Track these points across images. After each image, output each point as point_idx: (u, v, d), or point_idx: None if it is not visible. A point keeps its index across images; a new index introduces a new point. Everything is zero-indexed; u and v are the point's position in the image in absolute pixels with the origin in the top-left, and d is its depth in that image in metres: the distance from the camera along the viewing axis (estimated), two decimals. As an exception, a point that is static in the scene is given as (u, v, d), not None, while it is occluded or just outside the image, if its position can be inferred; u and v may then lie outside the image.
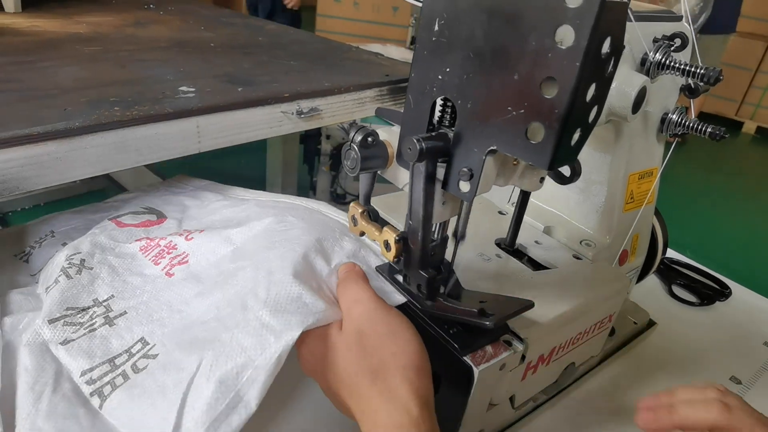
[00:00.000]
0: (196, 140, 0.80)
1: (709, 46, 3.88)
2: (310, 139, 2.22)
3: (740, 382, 0.63)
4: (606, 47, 0.31)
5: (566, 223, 0.61)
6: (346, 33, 4.12)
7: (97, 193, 2.48)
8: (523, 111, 0.34)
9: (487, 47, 0.34)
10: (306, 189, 2.41)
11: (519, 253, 0.57)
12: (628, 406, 0.58)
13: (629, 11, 0.42)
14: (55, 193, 2.41)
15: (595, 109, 0.34)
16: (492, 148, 0.36)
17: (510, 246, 0.56)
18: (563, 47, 0.31)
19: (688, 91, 0.57)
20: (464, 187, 0.38)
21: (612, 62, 0.33)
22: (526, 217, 0.62)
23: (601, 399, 0.59)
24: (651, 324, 0.69)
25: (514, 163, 0.40)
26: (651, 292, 0.79)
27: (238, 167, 2.66)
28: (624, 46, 0.41)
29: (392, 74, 1.10)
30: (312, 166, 2.33)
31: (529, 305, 0.42)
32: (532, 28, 0.32)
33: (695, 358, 0.67)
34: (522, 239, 0.58)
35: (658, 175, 0.60)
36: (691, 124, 0.56)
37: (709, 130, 0.55)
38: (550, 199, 0.63)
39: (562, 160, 0.34)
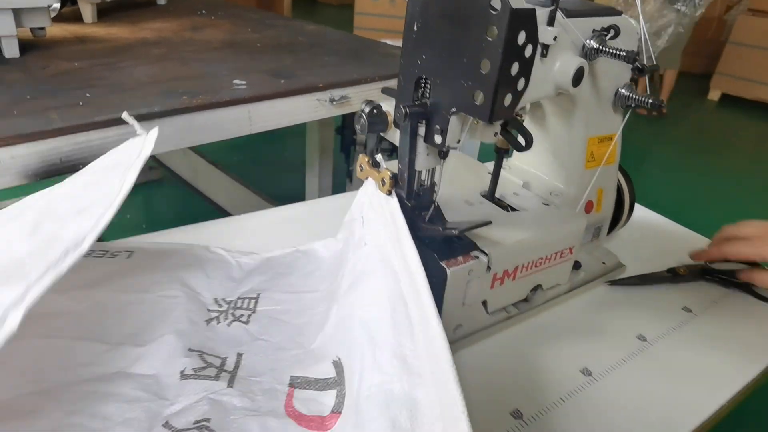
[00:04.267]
0: (248, 124, 0.98)
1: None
2: (347, 130, 2.39)
3: (690, 311, 0.77)
4: (522, 38, 0.47)
5: (540, 178, 0.76)
6: (384, 29, 4.26)
7: (154, 183, 2.72)
8: (470, 83, 0.49)
9: (447, 41, 0.50)
10: (343, 177, 2.59)
11: (498, 201, 0.73)
12: (592, 326, 0.73)
13: (560, 11, 0.56)
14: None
15: (522, 80, 0.50)
16: (453, 110, 0.52)
17: (491, 195, 0.71)
18: (491, 39, 0.46)
19: (637, 71, 0.71)
20: (437, 139, 0.54)
21: (529, 48, 0.48)
22: (509, 176, 0.78)
23: (567, 320, 0.73)
24: (619, 266, 0.83)
25: (475, 122, 0.56)
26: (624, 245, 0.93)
27: (281, 150, 2.97)
28: (550, 38, 0.56)
29: (412, 66, 1.25)
30: (348, 155, 2.50)
31: (487, 222, 0.58)
32: (473, 27, 0.48)
33: (654, 292, 0.80)
34: (503, 191, 0.73)
35: (616, 139, 0.75)
36: (637, 97, 0.70)
37: (650, 101, 0.69)
38: (530, 161, 0.78)
39: (499, 116, 0.50)
